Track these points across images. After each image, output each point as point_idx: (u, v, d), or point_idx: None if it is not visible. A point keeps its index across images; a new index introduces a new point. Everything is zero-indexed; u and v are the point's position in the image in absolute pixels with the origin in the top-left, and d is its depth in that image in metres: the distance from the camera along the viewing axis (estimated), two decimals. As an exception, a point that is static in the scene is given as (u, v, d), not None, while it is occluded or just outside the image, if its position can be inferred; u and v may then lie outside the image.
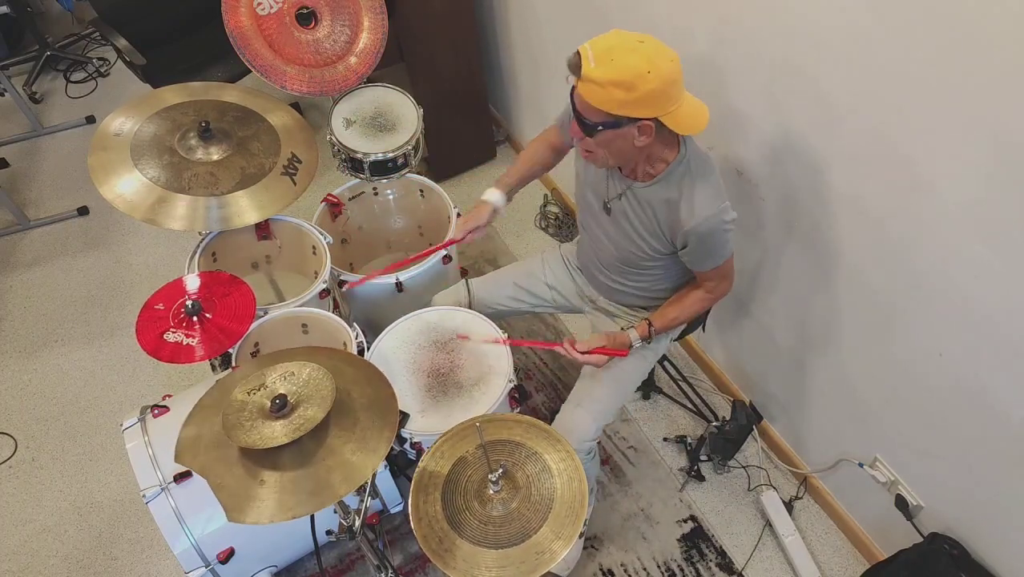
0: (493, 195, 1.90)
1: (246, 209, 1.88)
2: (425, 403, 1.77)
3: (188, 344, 1.64)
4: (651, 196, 1.59)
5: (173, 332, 1.66)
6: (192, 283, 1.75)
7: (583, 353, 1.68)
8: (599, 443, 2.34)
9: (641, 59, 1.33)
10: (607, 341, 1.70)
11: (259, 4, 2.05)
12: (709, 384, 2.53)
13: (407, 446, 1.74)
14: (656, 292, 1.82)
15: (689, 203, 1.52)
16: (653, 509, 2.22)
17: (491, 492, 1.35)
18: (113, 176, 1.80)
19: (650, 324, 1.73)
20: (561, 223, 3.01)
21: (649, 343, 1.77)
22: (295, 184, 1.96)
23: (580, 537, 1.67)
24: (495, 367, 1.82)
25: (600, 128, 1.41)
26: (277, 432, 1.20)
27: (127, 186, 1.79)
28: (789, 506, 2.17)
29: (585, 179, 1.75)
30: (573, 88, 1.41)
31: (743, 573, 2.09)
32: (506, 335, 1.87)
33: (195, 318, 1.66)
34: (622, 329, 1.76)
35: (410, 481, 1.40)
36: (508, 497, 1.35)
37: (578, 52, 1.36)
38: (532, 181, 2.00)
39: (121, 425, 1.79)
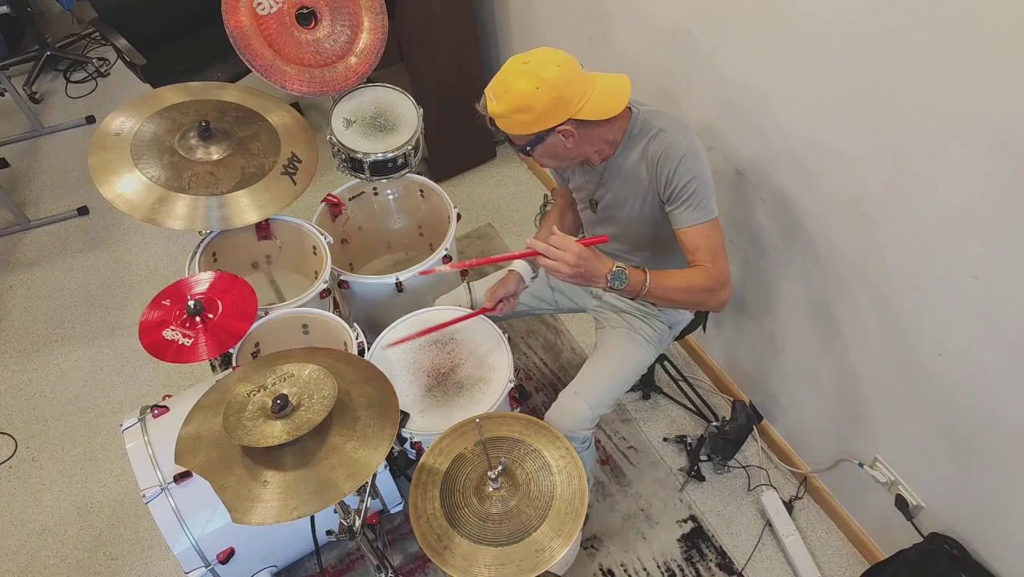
0: (519, 264, 1.92)
1: (246, 209, 1.88)
2: (425, 403, 1.77)
3: (189, 344, 1.64)
4: (623, 162, 1.63)
5: (172, 330, 1.65)
6: (193, 282, 1.75)
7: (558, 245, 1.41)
8: (599, 443, 2.36)
9: (528, 80, 1.43)
10: (590, 253, 1.42)
11: (259, 4, 2.05)
12: (709, 384, 2.53)
13: (407, 446, 1.74)
14: None
15: (657, 140, 1.55)
16: (653, 509, 2.22)
17: (490, 489, 1.35)
18: (113, 176, 1.80)
19: (646, 273, 1.49)
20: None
21: (632, 299, 1.52)
22: (295, 184, 1.97)
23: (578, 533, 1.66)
24: (495, 367, 1.82)
25: (529, 148, 1.53)
26: (279, 432, 1.20)
27: (127, 186, 1.79)
28: (789, 506, 2.17)
29: (574, 184, 1.82)
30: (491, 120, 1.52)
31: (743, 573, 2.09)
32: (505, 336, 1.87)
33: (197, 318, 1.66)
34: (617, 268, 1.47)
35: (410, 481, 1.40)
36: (507, 495, 1.35)
37: (484, 94, 1.51)
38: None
39: (121, 425, 1.79)
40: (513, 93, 1.45)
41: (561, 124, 1.47)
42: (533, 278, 1.96)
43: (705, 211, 1.53)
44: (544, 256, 1.41)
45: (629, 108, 1.60)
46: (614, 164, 1.64)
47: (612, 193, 1.69)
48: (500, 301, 1.90)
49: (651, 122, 1.57)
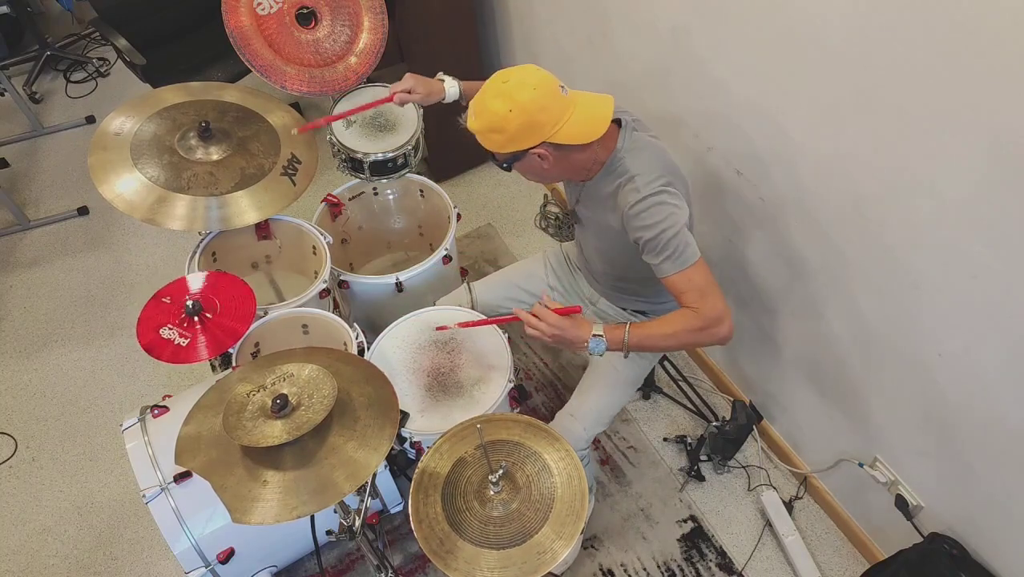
0: (449, 82, 1.92)
1: (246, 209, 1.88)
2: (425, 403, 1.77)
3: (186, 344, 1.64)
4: (597, 193, 1.63)
5: (169, 329, 1.65)
6: (192, 282, 1.75)
7: (539, 317, 1.50)
8: (599, 443, 2.36)
9: (502, 101, 1.45)
10: (568, 323, 1.49)
11: (259, 4, 2.05)
12: (709, 384, 2.53)
13: (407, 446, 1.74)
14: (650, 296, 1.82)
15: (625, 188, 1.53)
16: (653, 509, 2.22)
17: (491, 492, 1.35)
18: (113, 176, 1.80)
19: (628, 330, 1.50)
20: (561, 223, 3.00)
21: (624, 354, 1.55)
22: (294, 184, 1.96)
23: (580, 534, 1.67)
24: (495, 367, 1.82)
25: (507, 164, 1.55)
26: (279, 432, 1.20)
27: (127, 186, 1.79)
28: (789, 506, 2.17)
29: (565, 190, 1.83)
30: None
31: (743, 573, 2.09)
32: (505, 336, 1.87)
33: (195, 318, 1.66)
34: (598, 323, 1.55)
35: (410, 481, 1.40)
36: (508, 497, 1.35)
37: (468, 107, 1.53)
38: None
39: (121, 425, 1.79)
40: (488, 113, 1.47)
41: (534, 147, 1.48)
42: (443, 97, 1.92)
43: (681, 260, 1.47)
44: (527, 323, 1.52)
45: (618, 125, 1.58)
46: (590, 187, 1.64)
47: (590, 213, 1.70)
48: (407, 92, 1.86)
49: (626, 163, 1.54)
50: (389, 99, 1.91)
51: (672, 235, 1.47)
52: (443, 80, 1.92)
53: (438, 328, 1.87)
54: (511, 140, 1.47)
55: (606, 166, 1.58)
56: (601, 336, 1.49)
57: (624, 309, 1.90)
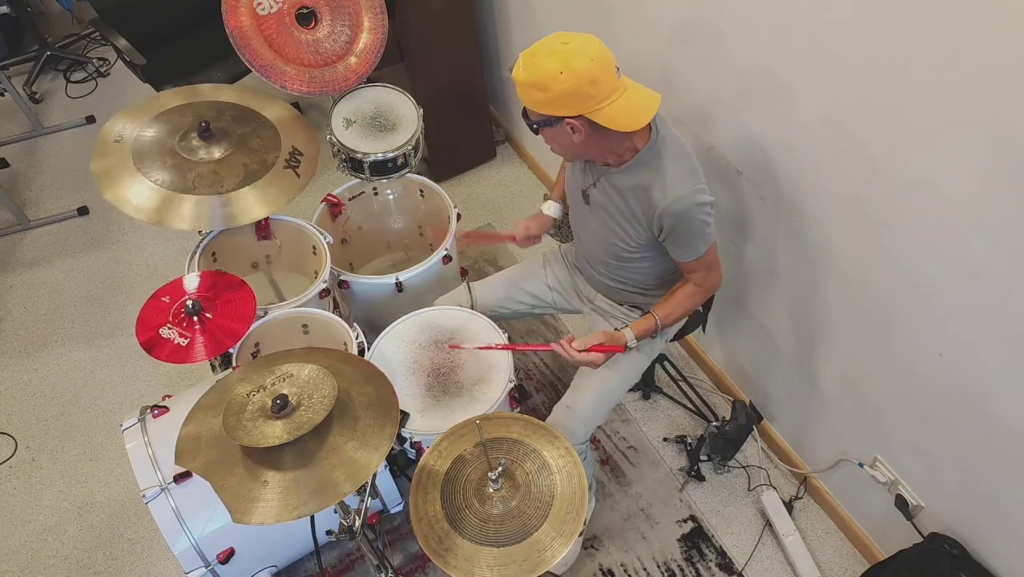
0: (552, 208, 1.99)
1: (253, 205, 1.88)
2: (425, 403, 1.77)
3: (185, 344, 1.64)
4: (623, 182, 1.61)
5: (169, 328, 1.65)
6: (192, 282, 1.75)
7: (580, 352, 1.66)
8: (599, 443, 2.36)
9: (556, 61, 1.39)
10: (604, 339, 1.69)
11: (259, 4, 2.05)
12: (709, 384, 2.53)
13: (407, 446, 1.74)
14: (648, 287, 1.82)
15: (661, 185, 1.53)
16: (653, 509, 2.22)
17: (491, 490, 1.35)
18: (119, 182, 1.80)
19: (656, 318, 1.72)
20: (561, 223, 3.00)
21: (654, 337, 1.80)
22: (299, 176, 1.96)
23: (579, 536, 1.67)
24: (495, 367, 1.82)
25: (537, 126, 1.51)
26: (279, 432, 1.20)
27: (133, 191, 1.79)
28: (789, 506, 2.17)
29: (571, 175, 1.79)
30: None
31: (743, 573, 2.09)
32: (505, 336, 1.87)
33: (195, 318, 1.66)
34: (617, 329, 1.74)
35: (410, 481, 1.40)
36: (508, 495, 1.35)
37: (519, 58, 1.47)
38: None
39: (121, 425, 1.79)
40: (537, 68, 1.41)
41: (572, 117, 1.44)
42: (557, 221, 2.02)
43: (703, 246, 1.60)
44: (571, 357, 1.67)
45: (650, 128, 1.57)
46: (614, 177, 1.62)
47: (608, 198, 1.68)
48: (529, 238, 1.98)
49: (664, 157, 1.55)
50: (512, 238, 2.00)
51: (697, 234, 1.57)
52: (545, 204, 2.01)
53: (451, 347, 1.87)
54: (551, 102, 1.43)
55: (639, 156, 1.56)
56: (632, 337, 1.71)
57: (621, 305, 1.90)
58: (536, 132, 1.53)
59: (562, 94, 1.40)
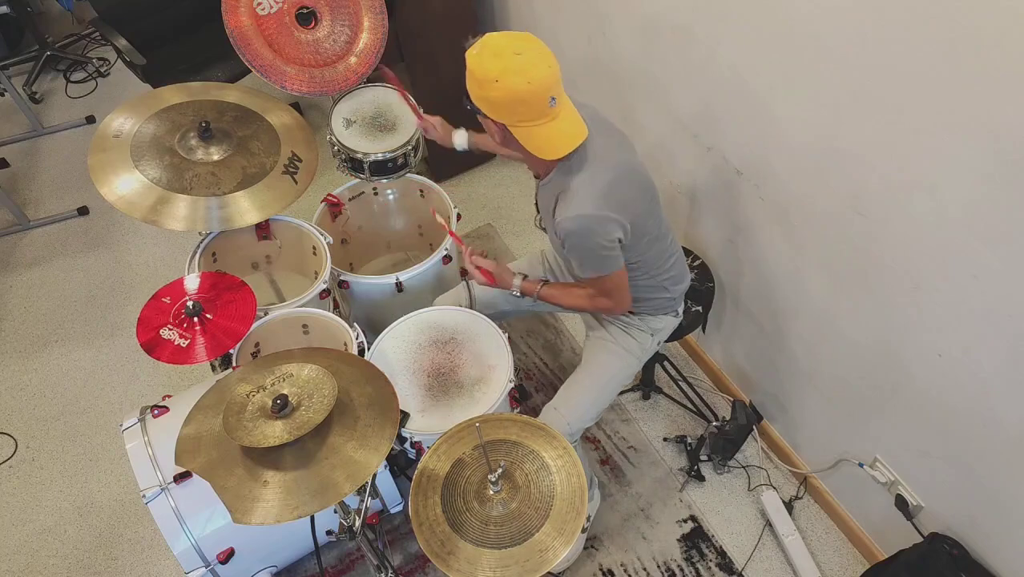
0: (460, 137, 2.05)
1: (248, 209, 1.88)
2: (425, 403, 1.77)
3: (186, 345, 1.64)
4: (545, 193, 1.65)
5: (169, 329, 1.65)
6: (192, 282, 1.75)
7: (472, 261, 1.81)
8: (599, 443, 2.36)
9: (498, 68, 1.40)
10: (496, 272, 1.81)
11: (259, 4, 2.05)
12: (709, 384, 2.53)
13: (407, 446, 1.74)
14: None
15: (565, 200, 1.55)
16: (653, 509, 2.22)
17: (491, 492, 1.35)
18: (114, 177, 1.80)
19: (537, 289, 1.81)
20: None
21: (521, 297, 1.85)
22: (296, 183, 1.96)
23: (583, 532, 1.67)
24: (495, 367, 1.83)
25: (470, 107, 1.51)
26: (279, 432, 1.20)
27: (128, 187, 1.79)
28: (789, 506, 2.17)
29: None
30: None
31: (743, 573, 2.09)
32: (505, 335, 1.88)
33: (195, 319, 1.66)
34: (525, 278, 1.84)
35: (410, 481, 1.40)
36: (508, 497, 1.35)
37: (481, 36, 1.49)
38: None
39: (121, 425, 1.79)
40: (480, 62, 1.43)
41: (495, 120, 1.48)
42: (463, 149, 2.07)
43: (588, 271, 1.63)
44: (468, 259, 1.82)
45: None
46: (540, 187, 1.67)
47: (542, 206, 1.72)
48: (425, 121, 2.08)
49: (572, 176, 1.55)
50: (419, 117, 2.10)
51: (587, 257, 1.59)
52: (457, 132, 2.05)
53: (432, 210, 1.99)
54: (480, 99, 1.46)
55: (558, 169, 1.58)
56: (518, 286, 1.82)
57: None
58: (473, 112, 1.53)
59: (492, 100, 1.44)
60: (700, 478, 2.27)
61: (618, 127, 1.67)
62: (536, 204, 1.81)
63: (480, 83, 1.43)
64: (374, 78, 2.26)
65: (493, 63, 1.41)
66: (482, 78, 1.42)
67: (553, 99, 1.44)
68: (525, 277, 1.83)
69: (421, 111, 2.13)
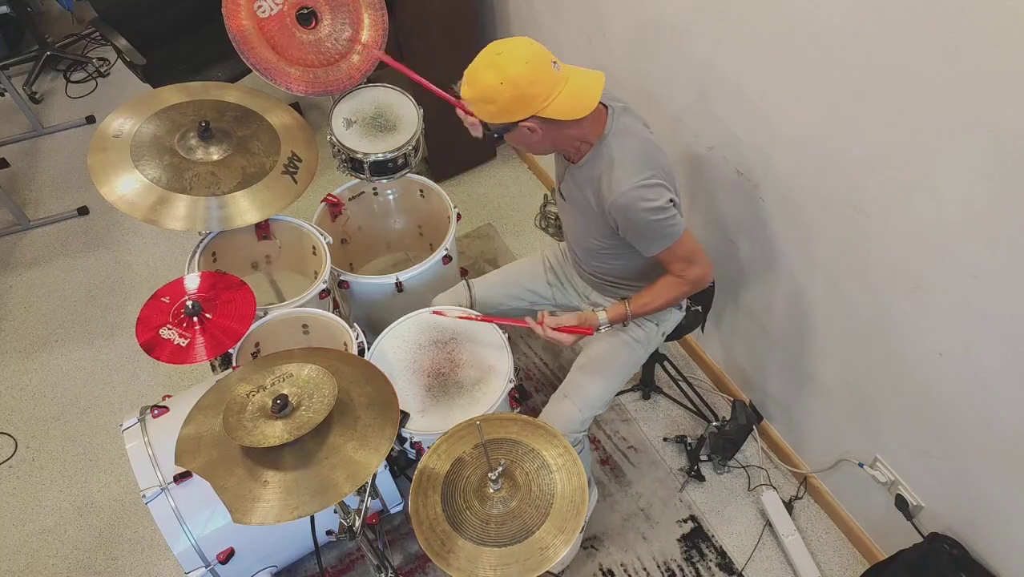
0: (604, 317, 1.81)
1: (247, 209, 1.88)
2: (425, 403, 1.77)
3: (185, 344, 1.64)
4: (581, 176, 1.64)
5: (169, 329, 1.65)
6: (192, 282, 1.75)
7: (551, 329, 1.70)
8: (599, 443, 2.36)
9: (494, 73, 1.44)
10: (577, 321, 1.71)
11: (259, 7, 2.04)
12: (709, 384, 2.53)
13: (407, 446, 1.74)
14: (628, 279, 1.83)
15: (609, 178, 1.55)
16: (653, 509, 2.22)
17: (491, 491, 1.35)
18: (113, 177, 1.79)
19: (627, 306, 1.72)
20: (561, 223, 3.01)
21: (625, 325, 1.80)
22: (296, 183, 1.96)
23: (579, 532, 1.67)
24: (495, 367, 1.82)
25: (497, 135, 1.55)
26: (279, 432, 1.20)
27: (127, 187, 1.79)
28: (789, 506, 2.17)
29: (555, 170, 1.82)
30: None
31: (743, 573, 2.09)
32: (505, 336, 1.87)
33: (195, 318, 1.66)
34: (594, 312, 1.75)
35: (410, 481, 1.40)
36: (508, 495, 1.35)
37: (463, 75, 1.51)
38: None
39: (121, 425, 1.79)
40: (478, 84, 1.47)
41: (525, 120, 1.48)
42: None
43: (667, 239, 1.58)
44: (539, 333, 1.72)
45: (605, 107, 1.59)
46: (575, 171, 1.65)
47: (574, 192, 1.71)
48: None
49: (612, 150, 1.56)
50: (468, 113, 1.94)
51: (655, 222, 1.55)
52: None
53: (434, 311, 1.90)
54: (501, 111, 1.48)
55: (594, 149, 1.59)
56: (606, 320, 1.72)
57: (611, 298, 1.91)
58: (500, 140, 1.57)
59: (508, 102, 1.45)
60: (700, 478, 2.27)
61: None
62: (559, 191, 1.78)
63: (491, 98, 1.46)
64: (374, 78, 2.26)
65: (488, 74, 1.45)
66: (490, 92, 1.45)
67: (555, 63, 1.47)
68: (602, 308, 1.75)
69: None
